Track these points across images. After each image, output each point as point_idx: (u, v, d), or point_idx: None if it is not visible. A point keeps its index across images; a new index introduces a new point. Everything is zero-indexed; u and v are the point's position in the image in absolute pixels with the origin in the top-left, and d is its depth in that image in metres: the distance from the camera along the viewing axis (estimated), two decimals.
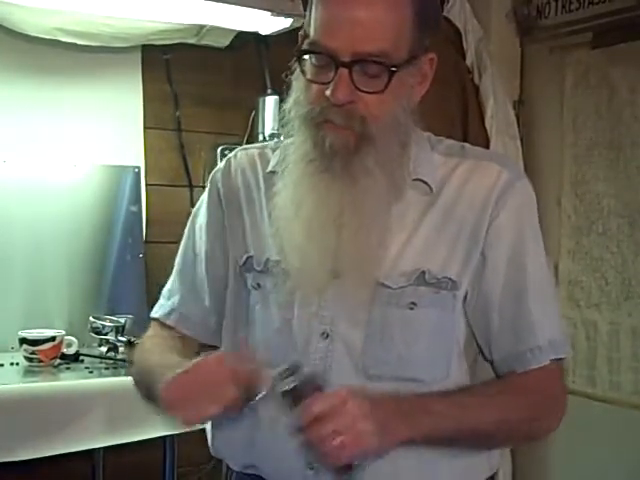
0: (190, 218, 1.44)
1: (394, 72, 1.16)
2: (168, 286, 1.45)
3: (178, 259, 1.45)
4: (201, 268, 1.39)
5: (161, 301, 1.45)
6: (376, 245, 1.21)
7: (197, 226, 1.42)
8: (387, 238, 1.22)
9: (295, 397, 1.12)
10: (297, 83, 1.23)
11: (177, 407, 1.15)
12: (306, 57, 1.20)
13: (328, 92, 1.15)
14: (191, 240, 1.42)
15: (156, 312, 1.45)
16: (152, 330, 1.45)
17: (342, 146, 1.18)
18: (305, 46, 1.19)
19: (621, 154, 2.86)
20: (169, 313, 1.42)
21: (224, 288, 1.37)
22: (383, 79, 1.16)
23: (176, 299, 1.42)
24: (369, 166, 1.19)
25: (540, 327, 1.24)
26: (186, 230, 1.44)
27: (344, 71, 1.14)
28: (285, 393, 1.13)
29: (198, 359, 1.18)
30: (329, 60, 1.15)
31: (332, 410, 1.08)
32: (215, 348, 1.40)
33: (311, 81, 1.19)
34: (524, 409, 1.23)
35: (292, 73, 1.24)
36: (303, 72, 1.20)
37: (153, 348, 1.37)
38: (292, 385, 1.12)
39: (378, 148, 1.19)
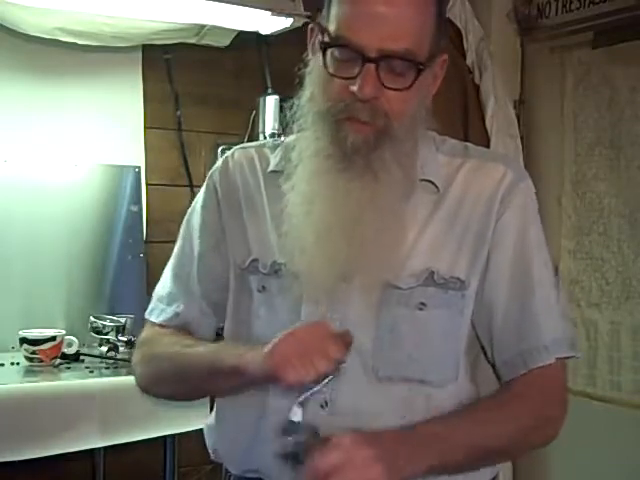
0: (185, 218, 1.41)
1: (421, 70, 1.16)
2: (167, 290, 1.39)
3: (174, 261, 1.40)
4: (194, 272, 1.36)
5: (160, 305, 1.39)
6: (394, 244, 1.20)
7: (192, 227, 1.38)
8: (402, 237, 1.21)
9: (298, 456, 1.07)
10: (312, 78, 1.21)
11: (288, 365, 1.12)
12: (327, 51, 1.18)
13: (355, 87, 1.14)
14: (187, 242, 1.39)
15: (157, 317, 1.39)
16: (154, 329, 1.39)
17: (363, 144, 1.17)
18: (327, 39, 1.18)
19: (622, 153, 2.86)
20: (171, 319, 1.37)
21: (221, 291, 1.35)
22: (408, 77, 1.15)
23: (179, 305, 1.37)
24: (387, 162, 1.18)
25: (545, 326, 1.24)
26: (181, 231, 1.41)
27: (371, 66, 1.13)
28: (288, 454, 1.08)
29: (297, 325, 1.18)
30: (354, 55, 1.14)
31: (340, 464, 1.04)
32: None
33: (333, 75, 1.17)
34: (530, 416, 1.21)
35: (305, 67, 1.23)
36: (326, 65, 1.18)
37: (181, 340, 1.32)
38: (293, 445, 1.07)
39: (396, 145, 1.18)
